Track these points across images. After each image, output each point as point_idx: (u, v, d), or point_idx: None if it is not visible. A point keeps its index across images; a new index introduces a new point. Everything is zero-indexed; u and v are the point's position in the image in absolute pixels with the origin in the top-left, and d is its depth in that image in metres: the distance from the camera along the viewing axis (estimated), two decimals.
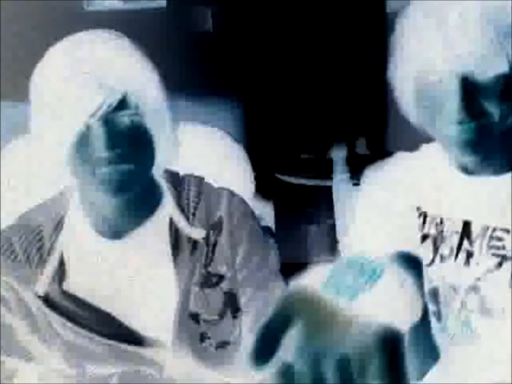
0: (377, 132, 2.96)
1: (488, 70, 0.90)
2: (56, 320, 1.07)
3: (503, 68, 0.90)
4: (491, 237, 0.99)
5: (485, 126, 0.93)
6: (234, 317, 1.11)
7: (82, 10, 2.93)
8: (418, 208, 1.05)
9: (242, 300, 1.12)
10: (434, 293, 1.02)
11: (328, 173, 2.72)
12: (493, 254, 0.98)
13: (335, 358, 0.57)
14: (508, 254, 0.97)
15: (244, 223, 1.13)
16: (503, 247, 0.98)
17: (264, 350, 0.58)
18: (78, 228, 1.10)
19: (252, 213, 1.16)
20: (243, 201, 1.15)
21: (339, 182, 2.58)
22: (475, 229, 1.00)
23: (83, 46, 0.99)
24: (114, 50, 0.99)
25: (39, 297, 1.07)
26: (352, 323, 0.61)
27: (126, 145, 0.98)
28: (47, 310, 1.07)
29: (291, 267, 1.22)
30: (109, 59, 0.98)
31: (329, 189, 2.55)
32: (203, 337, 1.09)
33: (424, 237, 1.04)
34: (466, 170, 1.02)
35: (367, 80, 2.85)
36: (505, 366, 0.95)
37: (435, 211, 1.04)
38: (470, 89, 0.90)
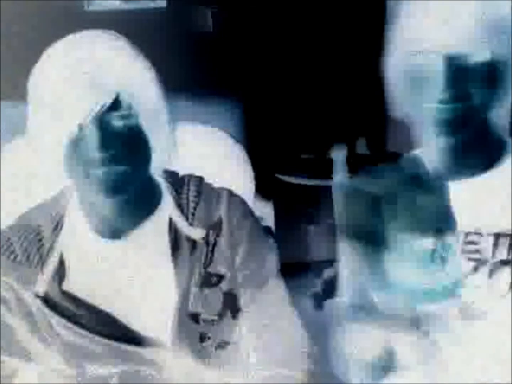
0: (377, 132, 2.96)
1: (473, 56, 0.93)
2: (56, 320, 1.07)
3: (486, 57, 0.93)
4: (464, 242, 0.99)
5: (466, 109, 0.95)
6: (234, 317, 1.11)
7: (82, 10, 2.93)
8: None
9: (242, 300, 1.12)
10: None
11: (328, 173, 2.72)
12: (469, 259, 0.99)
13: None
14: (483, 257, 0.97)
15: (244, 223, 1.13)
16: (478, 251, 0.98)
17: None
18: (78, 228, 1.10)
19: (252, 213, 1.16)
20: (243, 201, 1.15)
21: (339, 182, 2.58)
22: (449, 234, 1.01)
23: (82, 46, 0.99)
24: (113, 50, 0.99)
25: (39, 297, 1.07)
26: None
27: (119, 146, 0.98)
28: (47, 310, 1.07)
29: (291, 267, 1.23)
30: (107, 59, 0.98)
31: (329, 189, 2.54)
32: (203, 337, 1.09)
33: None
34: (440, 175, 1.04)
35: (367, 80, 2.85)
36: (492, 368, 0.96)
37: None
38: (455, 71, 0.93)
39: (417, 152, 1.10)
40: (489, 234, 0.98)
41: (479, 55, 0.93)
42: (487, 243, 0.98)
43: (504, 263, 0.96)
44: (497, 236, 0.97)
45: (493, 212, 0.99)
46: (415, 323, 1.02)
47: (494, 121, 1.01)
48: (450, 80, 0.93)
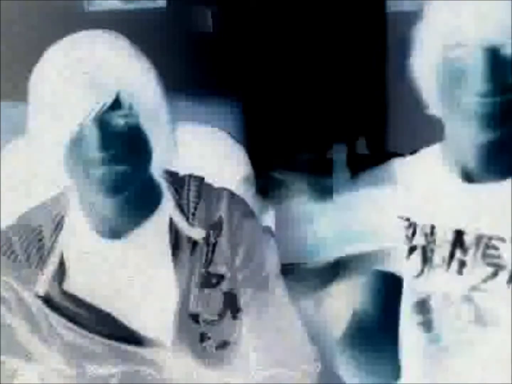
0: (377, 132, 2.96)
1: (510, 47, 0.90)
2: (56, 320, 1.07)
3: None
4: (486, 246, 0.98)
5: (507, 102, 0.92)
6: (234, 317, 1.11)
7: (82, 10, 2.93)
8: (407, 219, 1.04)
9: (242, 300, 1.12)
10: (423, 304, 1.02)
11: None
12: (489, 264, 0.97)
13: None
14: (503, 263, 0.96)
15: (244, 223, 1.13)
16: (499, 256, 0.97)
17: None
18: (78, 228, 1.10)
19: (252, 213, 1.16)
20: (243, 201, 1.15)
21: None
22: (469, 238, 0.99)
23: (82, 46, 0.99)
24: (113, 50, 1.00)
25: (39, 297, 1.07)
26: None
27: (120, 146, 0.98)
28: (47, 310, 1.07)
29: (291, 267, 1.22)
30: (108, 59, 0.98)
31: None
32: (203, 337, 1.09)
33: (413, 248, 1.03)
34: (466, 175, 1.02)
35: (367, 80, 2.85)
36: (502, 373, 0.95)
37: (426, 220, 1.03)
38: (496, 62, 0.90)
39: (442, 146, 1.07)
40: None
41: None
42: (508, 249, 0.96)
43: None
44: None
45: None
46: (427, 326, 1.01)
47: None
48: (489, 72, 0.90)
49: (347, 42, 2.88)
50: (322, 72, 2.92)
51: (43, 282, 1.07)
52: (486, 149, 0.99)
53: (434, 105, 1.00)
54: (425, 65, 0.98)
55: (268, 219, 1.27)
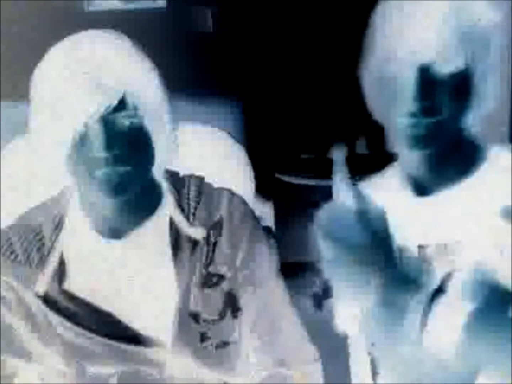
0: (377, 132, 2.96)
1: (445, 66, 0.91)
2: (56, 320, 1.07)
3: (460, 66, 0.91)
4: (446, 254, 0.98)
5: (436, 122, 0.93)
6: (234, 317, 1.11)
7: (82, 10, 2.93)
8: None
9: (242, 300, 1.12)
10: None
11: (328, 173, 2.72)
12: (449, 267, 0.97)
13: None
14: (459, 265, 0.95)
15: (244, 223, 1.13)
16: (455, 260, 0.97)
17: None
18: (78, 228, 1.10)
19: (252, 213, 1.16)
20: (243, 201, 1.15)
21: (339, 182, 2.58)
22: (430, 250, 0.99)
23: (83, 46, 0.99)
24: (114, 50, 1.00)
25: (39, 297, 1.07)
26: None
27: (124, 146, 0.98)
28: (47, 310, 1.07)
29: (291, 267, 1.23)
30: (109, 59, 0.98)
31: (329, 189, 2.54)
32: (203, 337, 1.09)
33: None
34: (418, 188, 1.03)
35: None
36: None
37: None
38: (425, 82, 0.91)
39: (398, 162, 1.08)
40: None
41: (452, 64, 0.91)
42: (464, 249, 0.96)
43: None
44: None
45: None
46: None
47: (468, 128, 0.99)
48: (420, 91, 0.91)
49: (347, 42, 2.88)
50: (322, 72, 2.93)
51: (43, 282, 1.07)
52: (426, 161, 1.00)
53: (373, 110, 1.02)
54: (367, 74, 1.00)
55: (268, 219, 1.27)
